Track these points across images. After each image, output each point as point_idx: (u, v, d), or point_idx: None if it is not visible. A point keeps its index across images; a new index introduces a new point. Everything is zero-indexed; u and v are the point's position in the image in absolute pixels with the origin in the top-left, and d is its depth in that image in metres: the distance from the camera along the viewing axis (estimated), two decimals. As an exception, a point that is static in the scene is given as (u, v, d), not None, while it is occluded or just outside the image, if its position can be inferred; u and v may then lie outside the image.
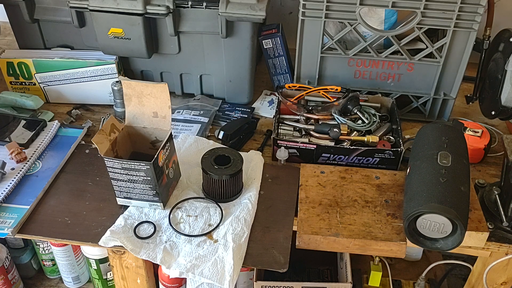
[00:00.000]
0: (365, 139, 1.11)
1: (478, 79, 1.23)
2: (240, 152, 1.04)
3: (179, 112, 1.26)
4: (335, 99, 1.17)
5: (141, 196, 0.98)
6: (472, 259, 1.11)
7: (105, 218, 0.98)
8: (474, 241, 0.94)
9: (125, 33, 1.19)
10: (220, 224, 0.97)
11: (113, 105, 1.24)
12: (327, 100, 1.21)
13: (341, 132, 1.11)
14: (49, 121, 1.21)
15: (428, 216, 0.86)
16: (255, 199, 1.02)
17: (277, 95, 1.19)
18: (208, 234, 0.96)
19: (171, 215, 0.99)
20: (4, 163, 1.05)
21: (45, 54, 1.28)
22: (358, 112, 1.16)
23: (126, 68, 1.32)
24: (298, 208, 0.99)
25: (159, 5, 1.15)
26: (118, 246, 0.93)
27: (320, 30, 1.16)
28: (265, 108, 1.31)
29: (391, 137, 1.14)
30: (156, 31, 1.22)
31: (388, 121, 1.19)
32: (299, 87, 1.22)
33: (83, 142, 1.17)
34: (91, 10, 1.17)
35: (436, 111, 1.25)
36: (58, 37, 1.32)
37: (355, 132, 1.14)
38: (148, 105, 0.98)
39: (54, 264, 1.46)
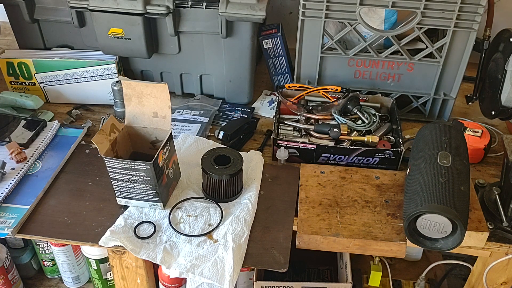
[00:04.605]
0: (365, 139, 1.11)
1: (478, 79, 1.23)
2: (240, 152, 1.04)
3: (179, 112, 1.26)
4: (335, 99, 1.17)
5: (141, 196, 0.98)
6: (472, 259, 1.11)
7: (105, 218, 0.98)
8: (474, 241, 0.94)
9: (125, 33, 1.19)
10: (220, 224, 0.97)
11: (113, 105, 1.24)
12: (327, 100, 1.21)
13: (341, 132, 1.11)
14: (49, 121, 1.21)
15: (428, 216, 0.86)
16: (255, 199, 1.02)
17: (277, 95, 1.19)
18: (208, 234, 0.96)
19: (171, 215, 0.99)
20: (4, 163, 1.05)
21: (45, 54, 1.28)
22: (358, 112, 1.16)
23: (126, 68, 1.32)
24: (298, 208, 0.99)
25: (159, 5, 1.15)
26: (118, 246, 0.93)
27: (320, 30, 1.16)
28: (265, 108, 1.31)
29: (391, 137, 1.14)
30: (156, 31, 1.22)
31: (388, 121, 1.18)
32: (299, 87, 1.22)
33: (83, 142, 1.17)
34: (91, 10, 1.17)
35: (436, 111, 1.25)
36: (58, 37, 1.32)
37: (355, 132, 1.14)
38: (148, 105, 0.98)
39: (54, 264, 1.46)
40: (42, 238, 0.97)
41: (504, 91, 1.10)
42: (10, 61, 1.25)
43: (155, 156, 0.92)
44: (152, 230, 0.96)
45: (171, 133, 0.98)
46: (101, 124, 1.24)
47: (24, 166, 1.07)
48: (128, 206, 1.00)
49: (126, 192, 0.98)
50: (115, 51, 1.24)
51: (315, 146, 1.08)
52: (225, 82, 1.29)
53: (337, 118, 1.16)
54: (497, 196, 0.98)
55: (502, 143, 0.99)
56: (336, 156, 1.09)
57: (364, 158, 1.09)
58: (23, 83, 1.29)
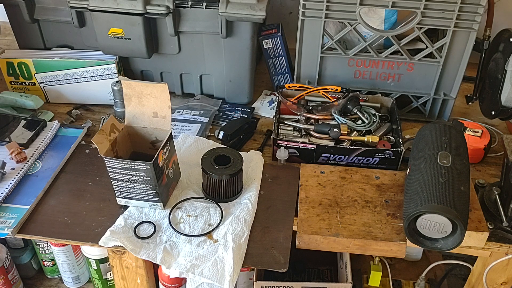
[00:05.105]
0: (365, 139, 1.11)
1: (478, 79, 1.23)
2: (240, 152, 1.04)
3: (179, 112, 1.26)
4: (335, 99, 1.17)
5: (141, 196, 0.98)
6: (472, 259, 1.11)
7: (105, 218, 0.98)
8: (474, 241, 0.94)
9: (125, 33, 1.19)
10: (220, 224, 0.97)
11: (113, 105, 1.24)
12: (327, 100, 1.21)
13: (341, 132, 1.11)
14: (49, 121, 1.21)
15: (428, 216, 0.86)
16: (255, 199, 1.02)
17: (277, 95, 1.19)
18: (208, 234, 0.96)
19: (171, 215, 0.99)
20: (4, 163, 1.05)
21: (45, 54, 1.28)
22: (358, 112, 1.16)
23: (126, 68, 1.32)
24: (298, 208, 0.99)
25: (159, 5, 1.15)
26: (118, 246, 0.93)
27: (320, 30, 1.16)
28: (265, 108, 1.31)
29: (391, 137, 1.14)
30: (156, 31, 1.22)
31: (388, 121, 1.19)
32: (299, 87, 1.22)
33: (83, 142, 1.17)
34: (91, 10, 1.17)
35: (436, 111, 1.25)
36: (58, 37, 1.32)
37: (355, 132, 1.14)
38: (148, 105, 0.98)
39: (54, 264, 1.46)
40: (42, 238, 0.97)
41: (504, 91, 1.10)
42: (10, 61, 1.25)
43: (155, 156, 0.92)
44: (152, 230, 0.96)
45: (171, 133, 0.98)
46: (101, 124, 1.24)
47: (24, 166, 1.07)
48: (128, 206, 1.00)
49: (126, 192, 0.98)
50: (115, 51, 1.24)
51: (315, 146, 1.08)
52: (225, 82, 1.29)
53: (337, 118, 1.16)
54: (497, 196, 0.98)
55: (502, 143, 0.99)
56: (336, 156, 1.09)
57: (364, 158, 1.09)
58: (23, 83, 1.29)
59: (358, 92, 1.21)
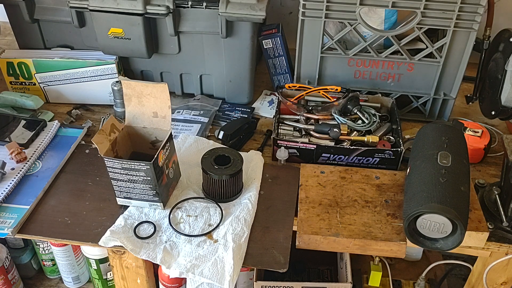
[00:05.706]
0: (365, 139, 1.11)
1: (478, 79, 1.23)
2: (240, 152, 1.04)
3: (179, 112, 1.26)
4: (335, 99, 1.17)
5: (141, 196, 0.98)
6: (472, 259, 1.11)
7: (105, 218, 0.98)
8: (474, 241, 0.94)
9: (125, 33, 1.19)
10: (220, 224, 0.97)
11: (113, 105, 1.24)
12: (327, 100, 1.21)
13: (341, 132, 1.11)
14: (49, 121, 1.21)
15: (428, 216, 0.86)
16: (255, 199, 1.02)
17: (277, 95, 1.19)
18: (208, 234, 0.96)
19: (171, 215, 0.99)
20: (4, 163, 1.05)
21: (45, 54, 1.28)
22: (358, 112, 1.16)
23: (126, 68, 1.32)
24: (298, 208, 0.99)
25: (159, 5, 1.15)
26: (118, 246, 0.93)
27: (320, 30, 1.16)
28: (265, 108, 1.31)
29: (391, 137, 1.14)
30: (156, 31, 1.22)
31: (388, 121, 1.19)
32: (299, 87, 1.22)
33: (83, 142, 1.17)
34: (91, 10, 1.17)
35: (436, 111, 1.25)
36: (58, 37, 1.32)
37: (355, 132, 1.14)
38: (148, 105, 0.98)
39: (54, 264, 1.46)
40: (42, 238, 0.97)
41: (504, 91, 1.10)
42: (10, 61, 1.25)
43: (155, 156, 0.92)
44: (152, 230, 0.96)
45: (171, 133, 0.98)
46: (101, 124, 1.24)
47: (24, 166, 1.07)
48: (128, 206, 1.00)
49: (126, 192, 0.98)
50: (115, 51, 1.24)
51: (315, 146, 1.08)
52: (225, 82, 1.29)
53: (337, 118, 1.16)
54: (497, 196, 0.98)
55: (502, 143, 0.99)
56: (336, 156, 1.09)
57: (364, 158, 1.09)
58: (23, 83, 1.29)
59: (358, 92, 1.21)
